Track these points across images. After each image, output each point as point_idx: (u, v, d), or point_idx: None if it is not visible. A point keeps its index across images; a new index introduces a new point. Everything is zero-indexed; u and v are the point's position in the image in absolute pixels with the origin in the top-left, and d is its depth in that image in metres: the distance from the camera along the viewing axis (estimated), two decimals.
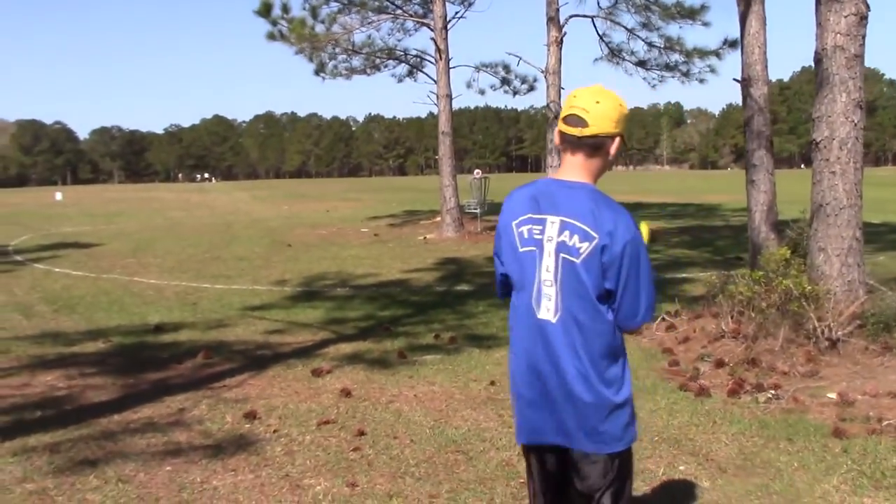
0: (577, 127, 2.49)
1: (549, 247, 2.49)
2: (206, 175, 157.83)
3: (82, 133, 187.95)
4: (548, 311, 2.49)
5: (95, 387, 6.39)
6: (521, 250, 2.55)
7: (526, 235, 2.54)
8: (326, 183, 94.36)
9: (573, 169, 2.56)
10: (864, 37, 7.05)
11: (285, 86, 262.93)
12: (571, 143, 2.53)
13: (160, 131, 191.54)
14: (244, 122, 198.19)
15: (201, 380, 6.55)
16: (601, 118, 2.48)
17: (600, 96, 2.51)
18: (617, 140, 2.54)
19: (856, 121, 7.02)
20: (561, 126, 2.54)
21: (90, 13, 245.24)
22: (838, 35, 6.95)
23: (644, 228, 2.63)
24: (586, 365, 2.47)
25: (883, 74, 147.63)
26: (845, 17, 6.92)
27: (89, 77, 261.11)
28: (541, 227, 2.52)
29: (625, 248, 2.43)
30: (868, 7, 6.99)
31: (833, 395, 5.62)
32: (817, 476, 4.21)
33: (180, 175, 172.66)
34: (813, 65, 7.35)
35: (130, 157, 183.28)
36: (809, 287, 6.73)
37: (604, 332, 2.49)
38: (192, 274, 13.45)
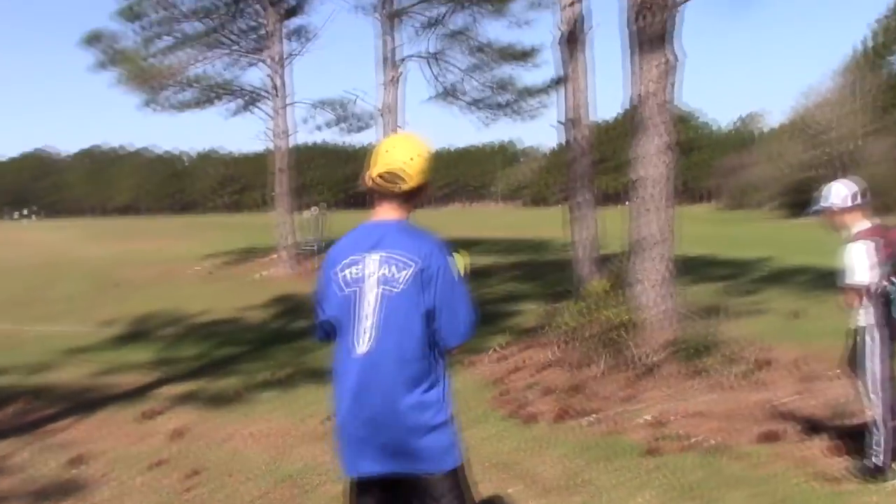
0: (395, 184, 2.66)
1: (370, 282, 2.62)
2: (26, 212, 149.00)
3: None
4: (366, 343, 2.59)
5: None
6: (345, 292, 2.65)
7: (349, 277, 2.66)
8: (158, 220, 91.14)
9: (389, 213, 2.73)
10: (673, 84, 7.66)
11: (114, 119, 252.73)
12: (388, 195, 2.70)
13: None
14: (69, 155, 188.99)
15: (24, 425, 6.25)
16: (417, 174, 2.68)
17: (413, 151, 2.69)
18: (426, 185, 2.74)
19: (667, 161, 7.59)
20: (377, 181, 2.68)
21: None
22: (650, 83, 7.52)
23: (461, 258, 2.79)
24: (405, 392, 2.57)
25: (696, 117, 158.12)
26: (656, 66, 7.50)
27: None
28: (360, 266, 2.65)
29: (440, 269, 2.61)
30: (677, 57, 7.60)
31: (649, 417, 6.02)
32: (632, 491, 4.51)
33: None
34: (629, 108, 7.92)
35: None
36: (628, 317, 7.19)
37: (422, 359, 2.61)
38: (12, 316, 12.73)
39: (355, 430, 2.64)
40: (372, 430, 2.61)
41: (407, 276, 2.59)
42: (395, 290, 2.59)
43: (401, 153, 2.68)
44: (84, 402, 7.06)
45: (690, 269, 17.01)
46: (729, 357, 7.20)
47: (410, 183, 2.68)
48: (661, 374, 7.01)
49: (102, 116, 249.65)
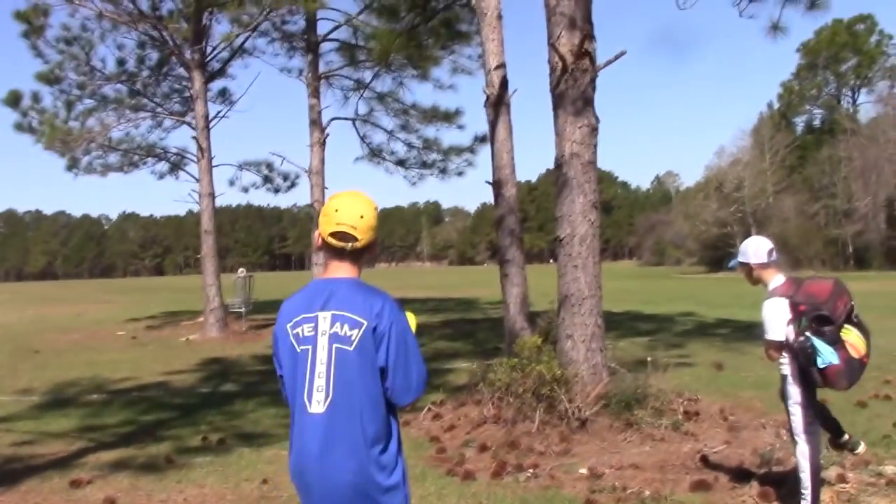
0: (347, 242, 2.73)
1: (323, 340, 2.67)
2: None
3: None
4: (318, 403, 2.64)
5: None
6: (298, 350, 2.70)
7: (301, 335, 2.71)
8: (76, 284, 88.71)
9: (340, 271, 2.80)
10: (596, 145, 7.94)
11: (30, 182, 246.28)
12: (340, 253, 2.77)
13: None
14: None
15: None
16: (367, 231, 2.75)
17: (362, 209, 2.75)
18: (376, 241, 2.82)
19: (592, 219, 7.82)
20: (329, 240, 2.75)
21: None
22: (574, 144, 7.78)
23: (412, 318, 2.87)
24: (358, 452, 2.61)
25: (617, 177, 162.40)
26: (579, 128, 7.78)
27: None
28: (313, 325, 2.70)
29: (391, 326, 2.67)
30: (598, 120, 7.90)
31: (584, 470, 6.12)
32: None
33: None
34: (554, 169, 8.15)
35: None
36: (559, 371, 7.32)
37: (376, 418, 2.66)
38: None
39: (310, 495, 2.68)
40: (326, 492, 2.64)
41: (359, 335, 2.65)
42: (348, 348, 2.65)
43: (350, 212, 2.74)
44: (7, 473, 6.81)
45: (617, 324, 17.42)
46: (658, 409, 7.39)
47: (362, 241, 2.75)
48: (594, 427, 7.14)
49: (17, 179, 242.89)
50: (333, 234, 2.74)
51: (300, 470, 2.69)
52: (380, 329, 2.66)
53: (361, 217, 2.74)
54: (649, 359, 8.32)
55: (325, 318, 2.70)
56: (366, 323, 2.66)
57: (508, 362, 7.82)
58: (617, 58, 8.07)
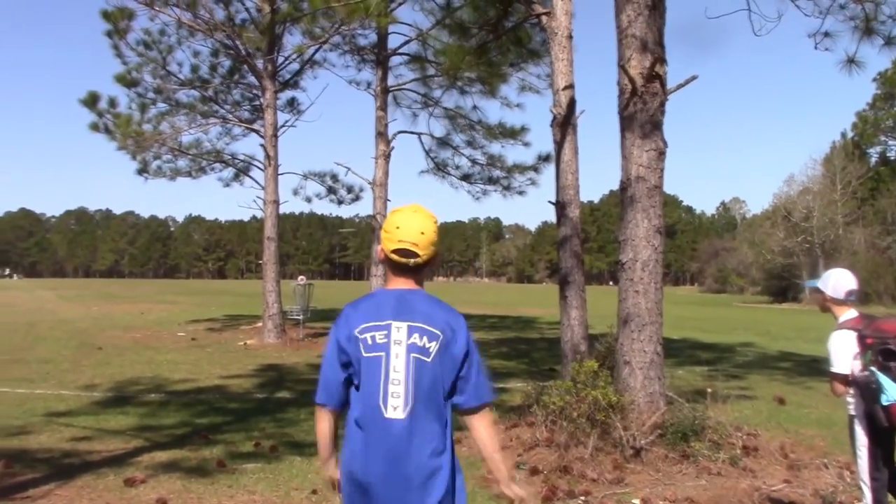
0: (409, 259, 2.81)
1: (398, 349, 2.74)
2: (7, 271, 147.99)
3: None
4: (395, 409, 2.69)
5: None
6: (366, 355, 2.75)
7: (370, 342, 2.76)
8: (141, 284, 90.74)
9: (405, 284, 2.87)
10: (662, 170, 7.82)
11: (101, 181, 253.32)
12: (403, 269, 2.85)
13: None
14: (53, 216, 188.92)
15: (3, 490, 6.12)
16: (428, 246, 2.82)
17: (423, 225, 2.81)
18: (437, 255, 2.91)
19: (656, 245, 7.70)
20: (392, 256, 2.82)
21: None
22: (640, 167, 7.68)
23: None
24: (432, 457, 2.69)
25: (681, 201, 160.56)
26: (647, 151, 7.68)
27: None
28: (385, 332, 2.76)
29: (466, 339, 2.79)
30: (666, 144, 7.78)
31: (637, 501, 5.99)
32: None
33: None
34: (619, 191, 8.06)
35: None
36: (615, 398, 7.19)
37: (445, 427, 2.77)
38: None
39: (375, 488, 2.69)
40: (393, 496, 2.68)
41: (437, 347, 2.74)
42: (426, 359, 2.73)
43: (412, 229, 2.80)
44: (64, 467, 6.95)
45: (675, 351, 17.13)
46: (716, 442, 7.21)
47: (423, 257, 2.82)
48: (648, 457, 6.99)
49: (89, 178, 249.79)
50: (395, 251, 2.81)
51: (365, 470, 2.71)
52: (456, 342, 2.78)
53: (422, 233, 2.80)
54: (709, 390, 8.13)
55: (399, 328, 2.77)
56: (442, 336, 2.76)
57: (564, 385, 7.72)
58: (688, 82, 7.96)
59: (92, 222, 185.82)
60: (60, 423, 8.90)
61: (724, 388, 10.42)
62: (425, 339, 2.74)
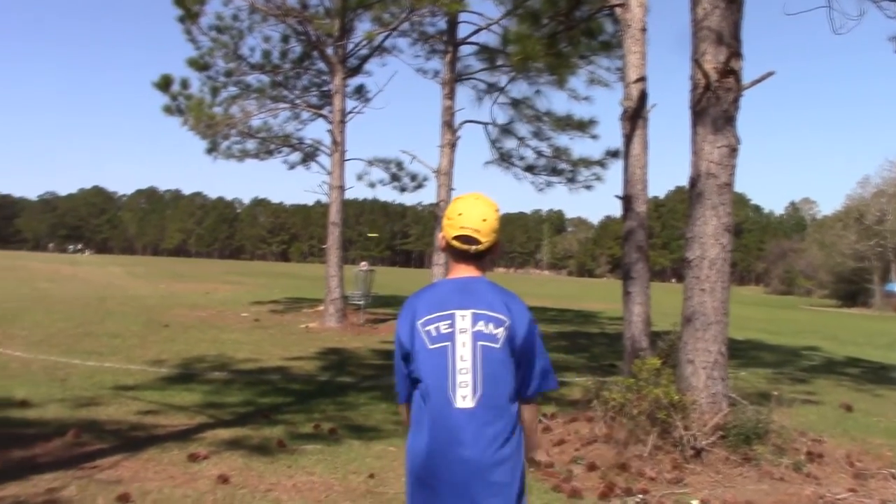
0: (470, 245, 2.81)
1: (464, 337, 2.72)
2: (79, 247, 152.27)
3: None
4: (464, 398, 2.68)
5: None
6: (431, 347, 2.74)
7: (434, 333, 2.75)
8: (206, 263, 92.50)
9: (466, 271, 2.87)
10: (734, 167, 7.66)
11: (171, 162, 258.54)
12: (465, 256, 2.85)
13: (34, 198, 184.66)
14: (125, 195, 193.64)
15: (71, 459, 6.31)
16: (490, 234, 2.82)
17: (485, 212, 2.82)
18: (498, 243, 2.90)
19: (724, 243, 7.56)
20: (453, 243, 2.82)
21: None
22: (711, 164, 7.53)
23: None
24: (500, 447, 2.67)
25: (750, 200, 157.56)
26: (718, 147, 7.53)
27: None
28: (449, 322, 2.75)
29: (530, 325, 2.78)
30: (738, 140, 7.63)
31: (696, 502, 5.91)
32: None
33: (51, 245, 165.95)
34: (687, 187, 7.93)
35: None
36: (677, 397, 7.09)
37: (514, 414, 2.75)
38: (61, 349, 12.94)
39: (441, 489, 2.68)
40: (463, 487, 2.66)
41: (504, 333, 2.72)
42: (495, 345, 2.71)
43: (474, 215, 2.80)
44: (131, 439, 7.13)
45: (739, 352, 16.84)
46: (779, 447, 7.07)
47: (485, 244, 2.81)
48: (709, 458, 6.89)
49: (160, 159, 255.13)
50: (457, 238, 2.82)
51: (433, 461, 2.70)
52: (521, 328, 2.76)
53: (484, 220, 2.80)
54: (774, 393, 7.97)
55: (463, 315, 2.75)
56: (508, 321, 2.74)
57: (625, 382, 7.65)
58: (764, 78, 7.78)
59: (161, 202, 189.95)
60: (128, 397, 9.14)
61: (789, 391, 10.25)
62: (491, 325, 2.72)
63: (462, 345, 2.72)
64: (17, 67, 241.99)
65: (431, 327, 2.76)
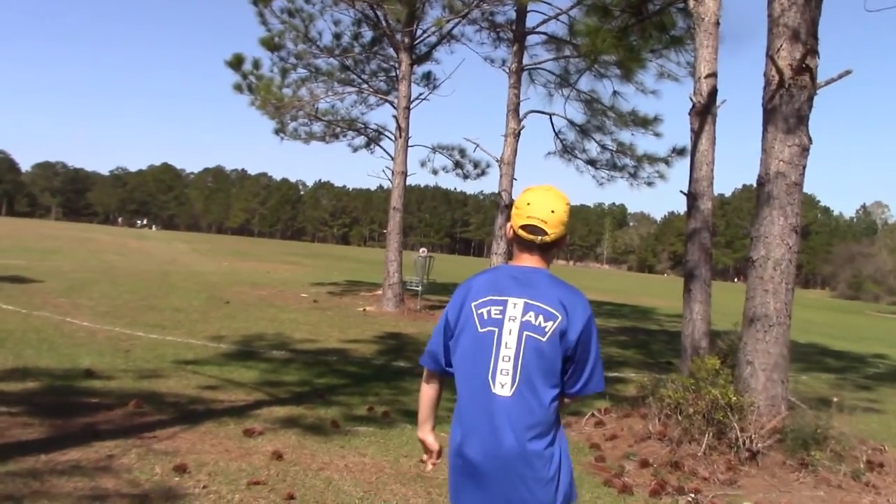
0: (537, 236, 2.76)
1: (512, 325, 2.69)
2: (146, 222, 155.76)
3: (25, 165, 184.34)
4: (502, 386, 2.65)
5: (22, 425, 6.29)
6: (480, 330, 2.73)
7: (486, 317, 2.74)
8: (268, 243, 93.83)
9: (530, 262, 2.82)
10: (804, 167, 7.50)
11: (238, 142, 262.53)
12: (530, 246, 2.81)
13: (105, 173, 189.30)
14: (192, 173, 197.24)
15: (131, 428, 6.48)
16: (557, 225, 2.77)
17: (554, 204, 2.78)
18: (565, 236, 2.85)
19: (791, 244, 7.41)
20: (520, 232, 2.78)
21: (43, 44, 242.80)
22: (781, 162, 7.38)
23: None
24: (535, 440, 2.63)
25: (818, 201, 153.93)
26: (789, 146, 7.37)
27: (40, 110, 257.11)
28: (501, 308, 2.73)
29: (586, 324, 2.71)
30: (811, 140, 7.45)
31: None
32: None
33: (119, 219, 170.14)
34: (755, 186, 7.77)
35: (71, 194, 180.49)
36: (735, 398, 6.99)
37: (552, 412, 2.69)
38: (126, 320, 13.28)
39: (476, 473, 2.68)
40: (497, 474, 2.64)
41: (553, 327, 2.67)
42: (541, 338, 2.66)
43: (542, 206, 2.77)
44: (189, 412, 7.29)
45: (801, 356, 16.50)
46: (838, 454, 6.92)
47: (552, 235, 2.77)
48: (764, 461, 6.78)
49: (228, 138, 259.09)
50: (524, 227, 2.77)
51: (468, 447, 2.69)
52: (575, 325, 2.69)
53: (552, 212, 2.76)
54: (835, 399, 7.80)
55: (515, 304, 2.72)
56: (560, 317, 2.68)
57: (681, 380, 7.56)
58: (841, 76, 7.57)
59: (227, 181, 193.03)
60: (188, 370, 9.34)
61: (851, 398, 10.01)
62: (541, 318, 2.68)
63: (509, 332, 2.69)
64: (93, 50, 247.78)
65: (483, 310, 2.75)
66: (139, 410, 7.12)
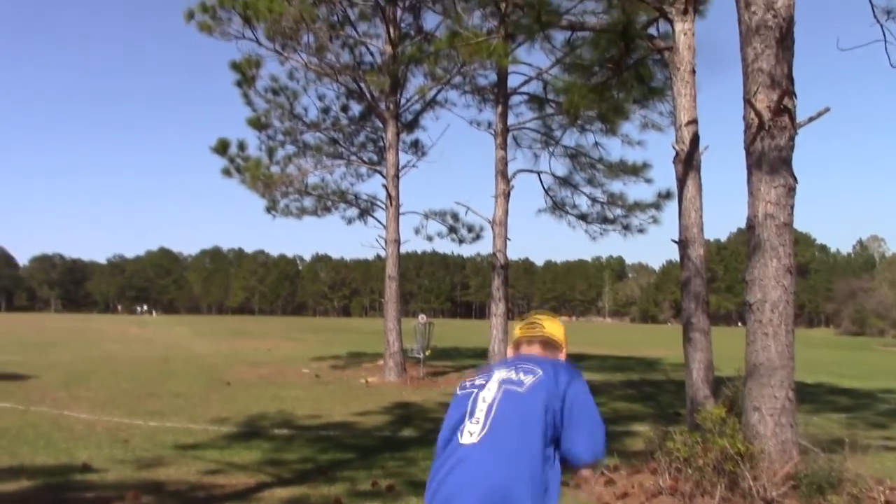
0: (534, 329, 2.95)
1: (492, 384, 2.69)
2: (146, 307, 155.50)
3: (22, 259, 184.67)
4: (471, 434, 2.55)
5: None
6: (459, 392, 2.76)
7: (468, 385, 2.78)
8: (270, 321, 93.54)
9: (528, 351, 2.97)
10: (792, 206, 7.48)
11: (234, 222, 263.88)
12: (528, 340, 2.95)
13: (103, 261, 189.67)
14: (190, 255, 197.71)
15: None
16: (553, 328, 2.97)
17: (549, 318, 3.02)
18: (564, 351, 2.95)
19: (786, 285, 7.35)
20: (517, 332, 2.98)
21: (35, 136, 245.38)
22: (769, 204, 7.37)
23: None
24: (505, 485, 2.44)
25: (814, 239, 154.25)
26: (775, 188, 7.37)
27: (34, 203, 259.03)
28: (487, 375, 2.77)
29: (571, 380, 2.65)
30: (796, 180, 7.46)
31: None
32: None
33: (119, 306, 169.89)
34: (746, 229, 7.75)
35: (70, 285, 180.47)
36: (744, 446, 6.85)
37: (533, 470, 2.48)
38: (125, 409, 13.10)
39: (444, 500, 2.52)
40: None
41: (533, 382, 2.62)
42: (519, 389, 2.61)
43: (540, 317, 3.03)
44: (190, 500, 7.13)
45: (810, 396, 16.31)
46: (855, 496, 6.76)
47: (548, 331, 2.94)
48: None
49: (223, 218, 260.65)
50: (522, 327, 3.00)
51: (436, 497, 2.52)
52: (559, 380, 2.64)
53: (549, 319, 3.01)
54: (846, 439, 7.65)
55: (501, 370, 2.76)
56: (542, 372, 2.66)
57: (691, 436, 7.40)
58: (820, 115, 7.62)
59: (225, 261, 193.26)
60: (188, 456, 9.17)
61: (865, 437, 9.82)
62: (521, 373, 2.67)
63: (488, 389, 2.68)
64: (86, 135, 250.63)
65: (468, 381, 2.81)
66: (137, 503, 6.96)
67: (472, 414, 2.62)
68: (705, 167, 9.85)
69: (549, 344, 2.92)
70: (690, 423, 8.23)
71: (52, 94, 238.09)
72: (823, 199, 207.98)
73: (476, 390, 2.70)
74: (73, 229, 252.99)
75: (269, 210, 22.61)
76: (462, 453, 2.53)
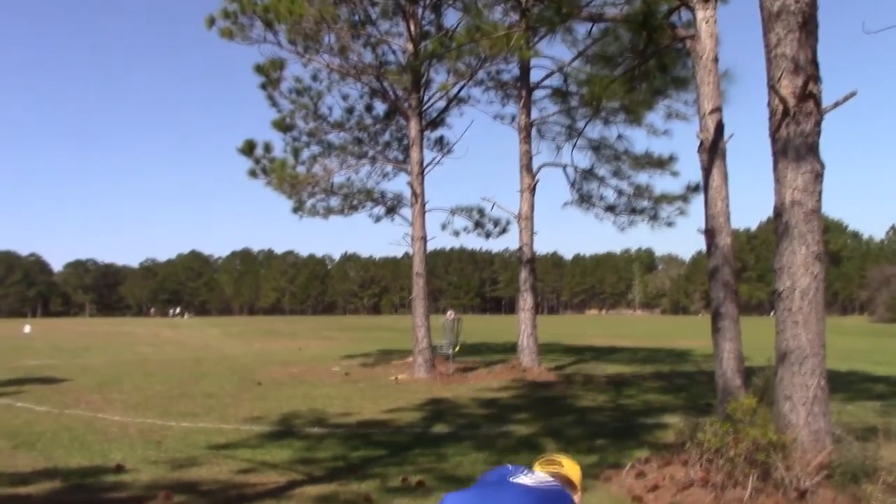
0: (553, 466, 2.90)
1: None
2: (178, 310, 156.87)
3: (57, 265, 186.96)
4: None
5: None
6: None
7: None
8: (300, 320, 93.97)
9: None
10: (820, 192, 7.38)
11: (263, 223, 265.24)
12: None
13: (135, 265, 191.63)
14: (220, 257, 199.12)
15: None
16: (570, 467, 2.91)
17: (572, 462, 2.96)
18: (579, 494, 2.88)
19: (815, 272, 7.25)
20: (536, 466, 2.88)
21: (68, 145, 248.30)
22: (796, 191, 7.27)
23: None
24: None
25: (846, 226, 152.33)
26: (802, 174, 7.27)
27: (67, 211, 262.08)
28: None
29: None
30: (823, 166, 7.35)
31: None
32: None
33: (152, 309, 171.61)
34: (773, 217, 7.66)
35: (103, 290, 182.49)
36: (776, 436, 6.77)
37: None
38: (158, 411, 13.24)
39: None
40: None
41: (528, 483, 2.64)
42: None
43: (560, 457, 2.97)
44: (221, 499, 7.19)
45: (844, 385, 16.11)
46: (891, 485, 6.64)
47: (566, 470, 2.89)
48: (814, 499, 6.53)
49: (252, 220, 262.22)
50: (541, 463, 2.93)
51: None
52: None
53: (568, 460, 2.95)
54: (881, 427, 7.55)
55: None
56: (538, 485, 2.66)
57: (722, 427, 7.33)
58: (846, 99, 7.50)
59: (255, 262, 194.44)
60: (220, 456, 9.25)
61: None
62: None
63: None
64: (115, 143, 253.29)
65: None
66: (170, 503, 7.03)
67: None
68: (732, 155, 9.76)
69: (565, 483, 2.83)
70: (721, 414, 8.15)
71: (82, 103, 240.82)
72: (856, 185, 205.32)
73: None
74: (106, 235, 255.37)
75: (295, 210, 22.72)
76: None
